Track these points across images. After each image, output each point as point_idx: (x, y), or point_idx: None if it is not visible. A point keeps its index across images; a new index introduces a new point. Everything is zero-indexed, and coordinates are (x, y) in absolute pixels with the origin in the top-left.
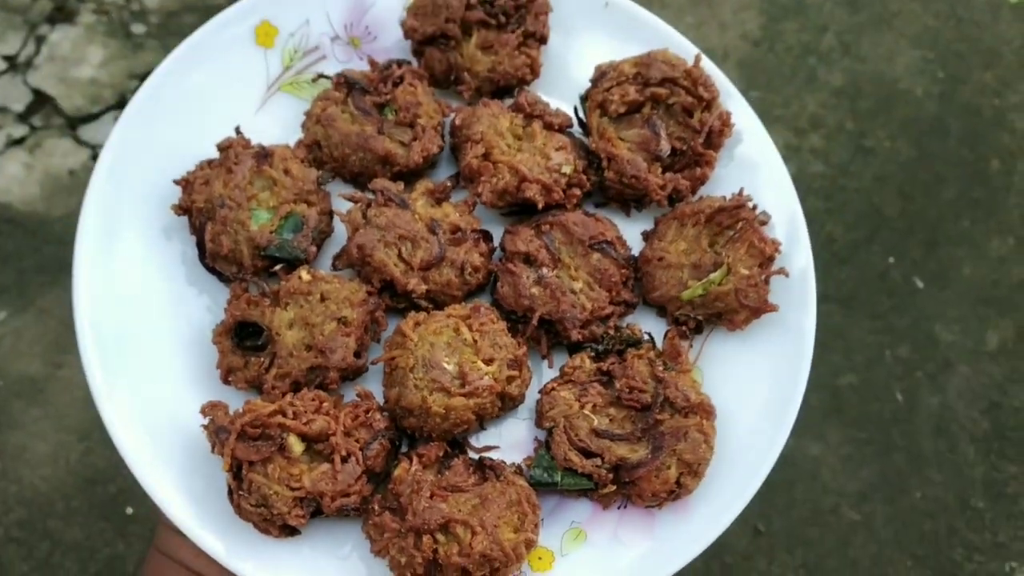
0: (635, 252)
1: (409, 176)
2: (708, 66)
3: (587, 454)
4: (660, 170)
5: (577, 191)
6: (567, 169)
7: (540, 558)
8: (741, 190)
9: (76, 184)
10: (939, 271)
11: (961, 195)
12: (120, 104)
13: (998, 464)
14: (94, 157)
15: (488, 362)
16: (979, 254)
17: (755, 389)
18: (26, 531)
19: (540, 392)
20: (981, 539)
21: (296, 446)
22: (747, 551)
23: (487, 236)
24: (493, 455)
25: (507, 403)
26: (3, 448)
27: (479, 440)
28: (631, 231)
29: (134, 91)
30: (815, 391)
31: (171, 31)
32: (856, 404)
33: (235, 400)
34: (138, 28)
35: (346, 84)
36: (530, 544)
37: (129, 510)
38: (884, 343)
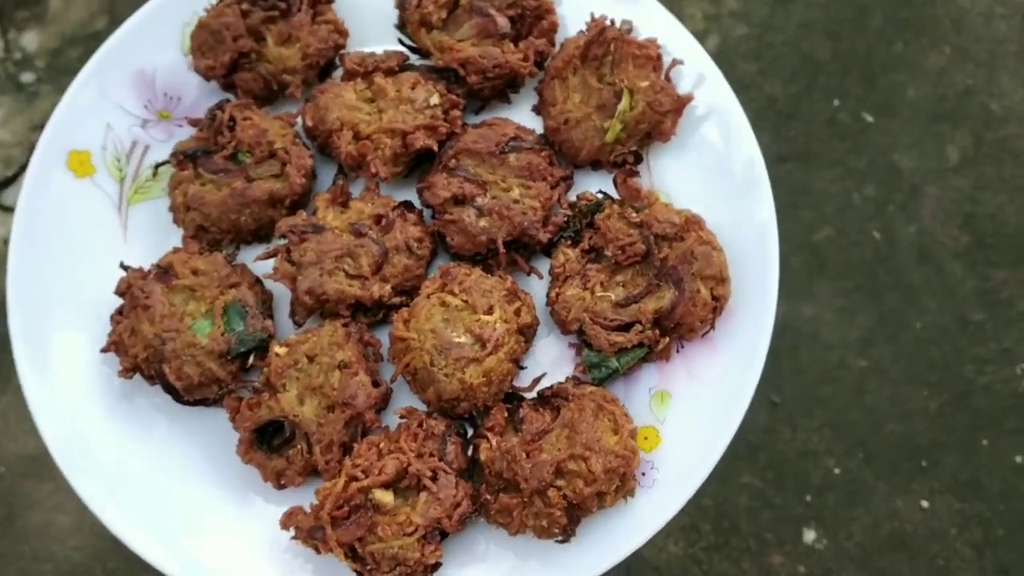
0: (539, 130)
1: (302, 202)
2: None
3: (625, 328)
4: (512, 44)
5: (456, 112)
6: (435, 100)
7: (646, 438)
8: (591, 16)
9: None
10: (885, 101)
11: (888, 20)
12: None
13: (986, 273)
14: None
15: (489, 311)
16: (919, 73)
17: (715, 176)
18: None
19: (548, 304)
20: (987, 350)
21: (386, 497)
22: (768, 425)
23: (408, 205)
24: (545, 384)
25: (528, 333)
26: (26, 530)
27: (524, 379)
28: (522, 114)
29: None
30: (794, 253)
31: (61, 70)
32: (837, 255)
33: (301, 498)
34: (27, 77)
35: (187, 159)
36: (633, 433)
37: None
38: (849, 187)
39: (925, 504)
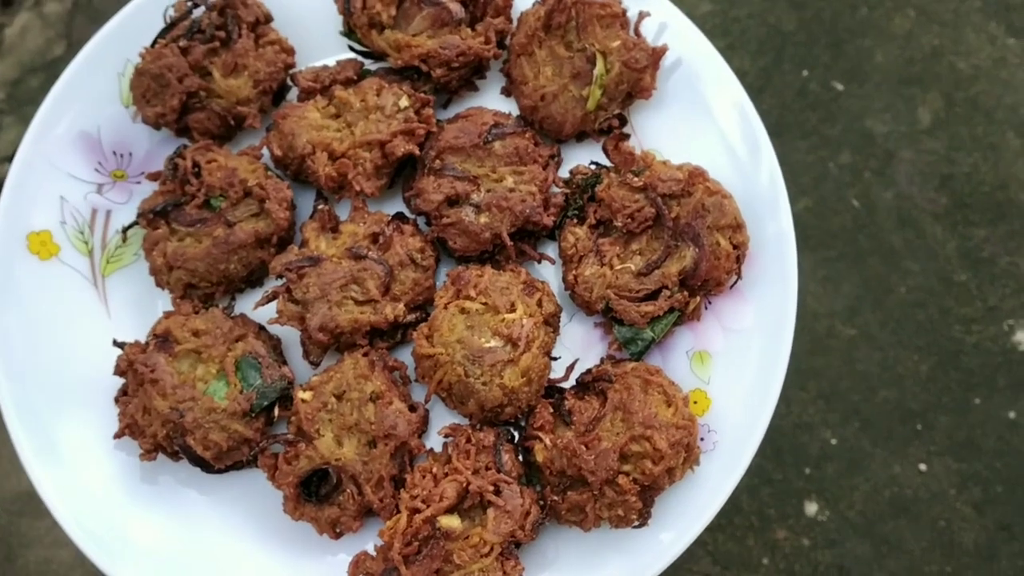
0: (515, 112)
1: (289, 236)
2: None
3: (652, 296)
4: (469, 30)
5: (428, 111)
6: (404, 102)
7: (695, 403)
8: None
9: None
10: (853, 68)
11: None
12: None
13: (967, 232)
14: None
15: (511, 309)
16: (886, 37)
17: (706, 128)
18: None
19: (567, 289)
20: (974, 309)
21: (453, 522)
22: None
23: (402, 217)
24: (580, 368)
25: (554, 322)
26: (27, 568)
27: (557, 370)
28: (492, 100)
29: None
30: None
31: (22, 100)
32: (818, 225)
33: (361, 542)
34: None
35: (156, 216)
36: (686, 401)
37: None
38: (824, 157)
39: (923, 467)
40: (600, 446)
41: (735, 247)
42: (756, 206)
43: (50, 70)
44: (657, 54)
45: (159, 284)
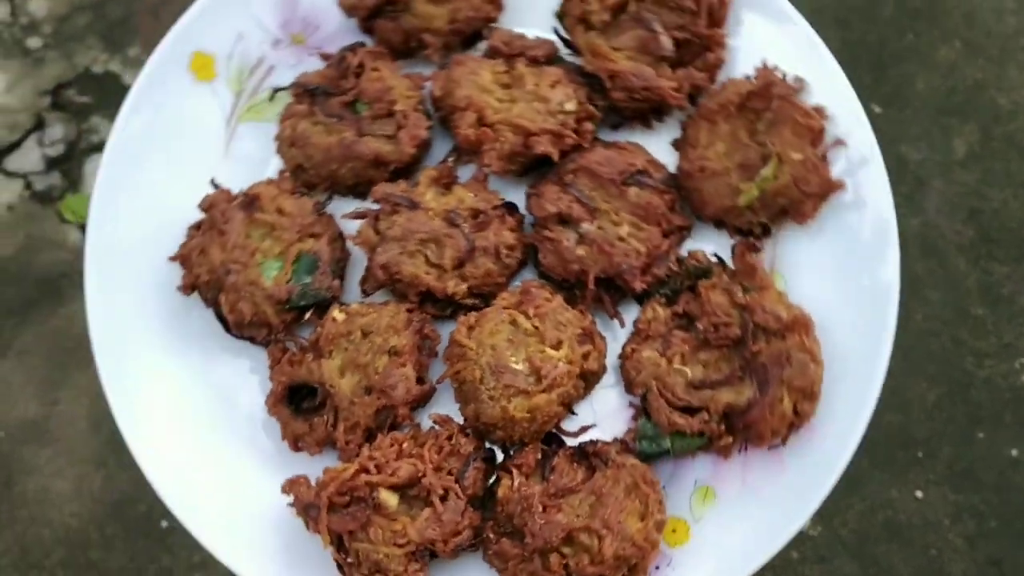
0: (673, 168)
1: (407, 170)
2: None
3: (691, 411)
4: (669, 69)
5: (589, 125)
6: (570, 105)
7: (674, 531)
8: (763, 63)
9: (18, 218)
10: (893, 92)
11: (899, 10)
12: (38, 126)
13: (989, 268)
14: (27, 186)
15: (557, 346)
16: (930, 66)
17: (846, 278)
18: (71, 569)
19: (620, 357)
20: (987, 344)
21: (390, 500)
22: None
23: (511, 208)
24: (591, 435)
25: (590, 380)
26: (25, 495)
27: (574, 423)
28: (660, 145)
29: (50, 107)
30: None
31: (68, 37)
32: None
33: (314, 465)
34: (34, 42)
35: (306, 93)
36: (660, 525)
37: (164, 523)
38: None
39: (920, 494)
40: (555, 516)
41: (796, 413)
42: (843, 384)
43: (98, 9)
44: (832, 188)
45: (278, 152)
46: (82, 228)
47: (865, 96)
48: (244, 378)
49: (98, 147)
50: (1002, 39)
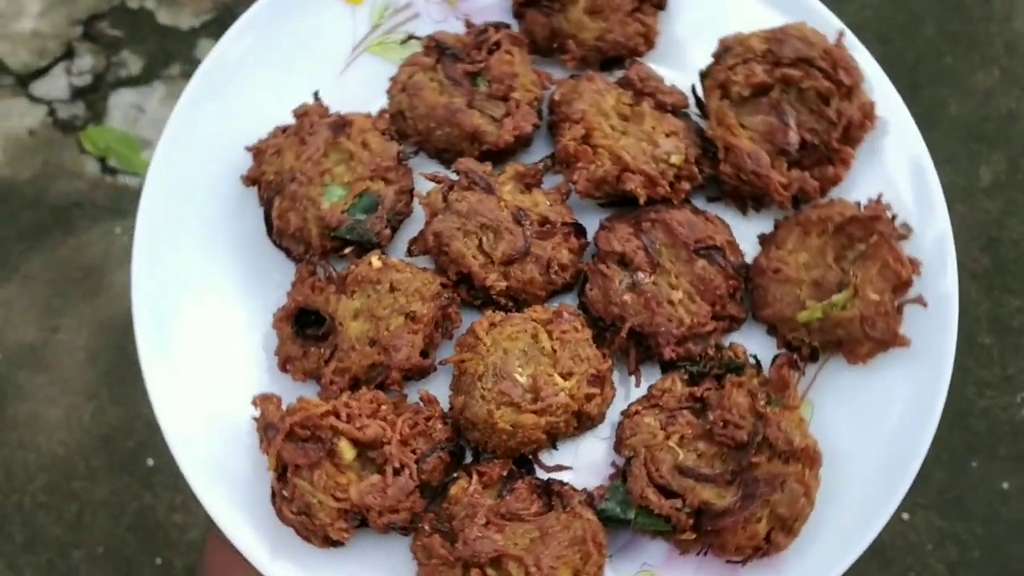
0: (749, 257)
1: (499, 156)
2: (853, 45)
3: (667, 493)
4: (785, 166)
5: (686, 185)
6: (676, 159)
7: None
8: (880, 197)
9: (38, 144)
10: (925, 113)
11: (940, 31)
12: (68, 54)
13: (1001, 299)
14: (51, 113)
15: (566, 376)
16: (964, 90)
17: (874, 432)
18: (53, 496)
19: (622, 414)
20: (991, 374)
21: (347, 452)
22: None
23: (580, 230)
24: (565, 476)
25: (584, 422)
26: (15, 419)
27: (552, 458)
28: (747, 232)
29: (81, 37)
30: None
31: None
32: None
33: (294, 391)
34: None
35: (437, 49)
36: None
37: (150, 461)
38: None
39: (906, 516)
40: (493, 535)
41: (767, 540)
42: (826, 529)
43: None
44: (895, 340)
45: (387, 92)
46: (101, 160)
47: None
48: (268, 288)
49: (125, 81)
50: None
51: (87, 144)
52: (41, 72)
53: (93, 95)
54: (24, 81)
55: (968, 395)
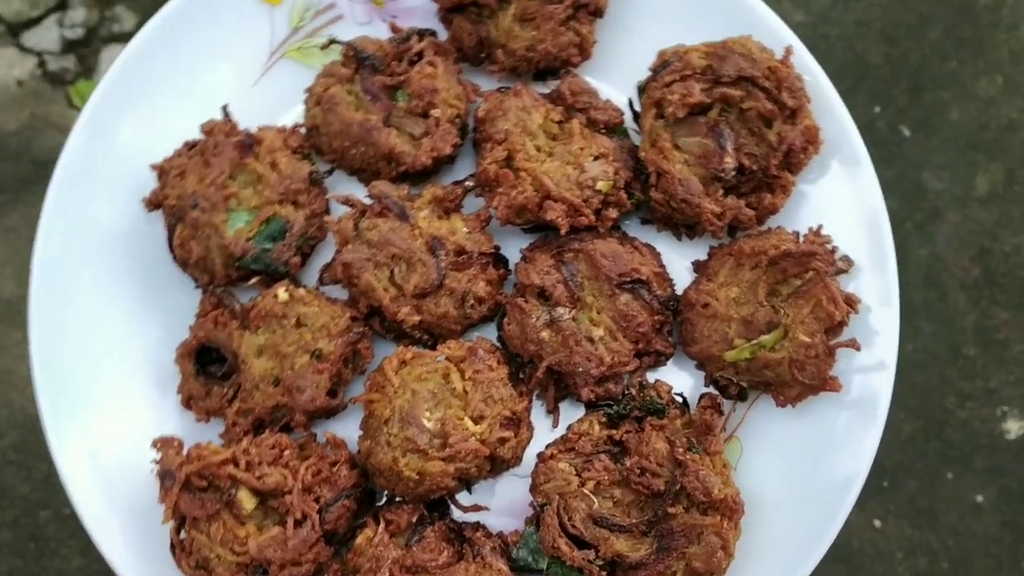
0: (684, 282)
1: (419, 176)
2: (803, 61)
3: (580, 543)
4: (721, 192)
5: (613, 212)
6: (603, 185)
7: None
8: (819, 229)
9: (26, 95)
10: (926, 117)
11: (947, 35)
12: (61, 6)
13: (989, 311)
14: (40, 64)
15: (477, 420)
16: (967, 96)
17: (804, 473)
18: (22, 453)
19: (538, 456)
20: (973, 386)
21: (247, 502)
22: None
23: (499, 260)
24: (483, 516)
25: (499, 466)
26: None
27: (469, 498)
28: (681, 256)
29: None
30: None
31: None
32: None
33: (199, 432)
34: None
35: (355, 59)
36: None
37: None
38: None
39: (878, 524)
40: None
41: None
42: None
43: None
44: (826, 385)
45: (304, 102)
46: None
47: (897, 117)
48: (174, 313)
49: (118, 37)
50: None
51: (76, 98)
52: (33, 22)
53: (84, 49)
54: (15, 30)
55: (948, 406)
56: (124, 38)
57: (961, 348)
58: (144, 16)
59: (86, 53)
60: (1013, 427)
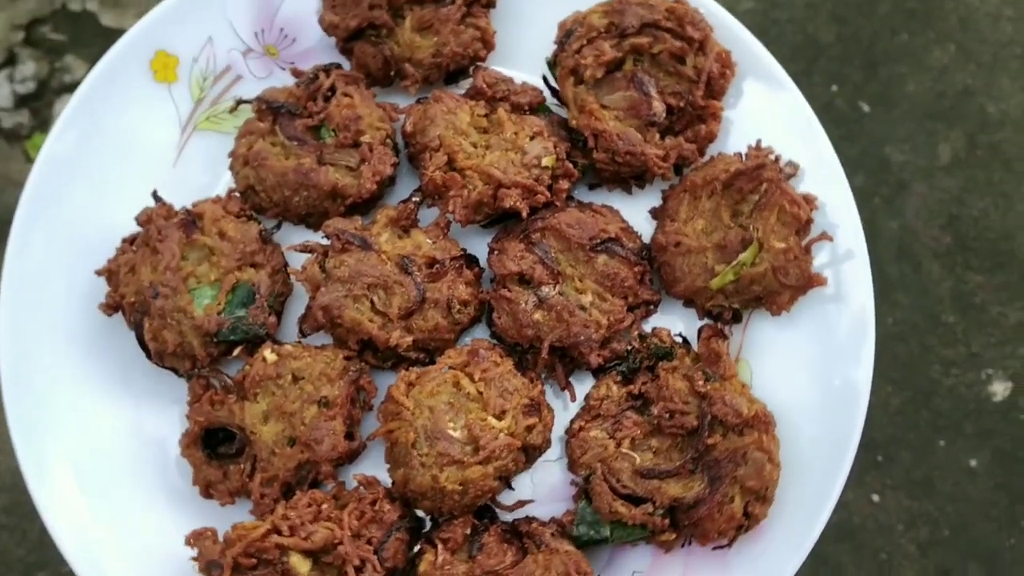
0: (647, 236)
1: (366, 205)
2: None
3: (635, 500)
4: (658, 136)
5: (565, 184)
6: (547, 161)
7: None
8: (758, 142)
9: None
10: (883, 92)
11: (896, 8)
12: (9, 61)
13: (964, 276)
14: None
15: (500, 415)
16: (921, 67)
17: (815, 374)
18: (14, 516)
19: (567, 432)
20: (955, 353)
21: (301, 566)
22: None
23: (471, 260)
24: (529, 510)
25: (532, 454)
26: None
27: (510, 496)
28: (637, 210)
29: (23, 43)
30: None
31: None
32: None
33: (225, 517)
34: None
35: (270, 110)
36: None
37: None
38: None
39: (876, 498)
40: None
41: (747, 515)
42: (802, 488)
43: None
44: (812, 282)
45: (231, 168)
46: None
47: (854, 94)
48: (162, 411)
49: (70, 87)
50: (996, 46)
51: (33, 152)
52: None
53: (37, 102)
54: None
55: (933, 374)
56: (76, 87)
57: (940, 316)
58: (95, 64)
59: (39, 106)
60: (999, 388)
